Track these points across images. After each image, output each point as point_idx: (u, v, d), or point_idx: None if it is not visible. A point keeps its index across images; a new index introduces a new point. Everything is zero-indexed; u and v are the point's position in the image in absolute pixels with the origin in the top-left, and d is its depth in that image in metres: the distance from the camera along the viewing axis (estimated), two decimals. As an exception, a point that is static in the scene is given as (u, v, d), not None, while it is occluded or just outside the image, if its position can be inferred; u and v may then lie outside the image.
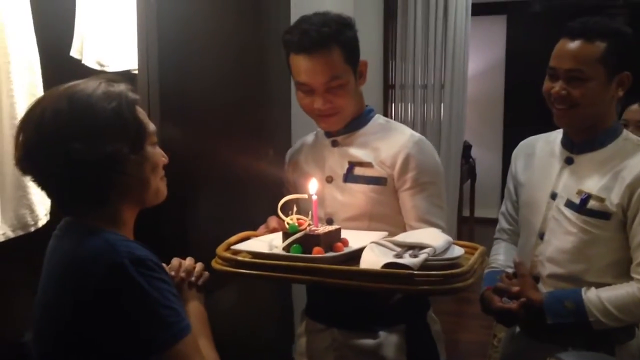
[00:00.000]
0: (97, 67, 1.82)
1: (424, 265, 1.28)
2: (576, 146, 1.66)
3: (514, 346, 1.81)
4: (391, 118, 4.80)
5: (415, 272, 1.25)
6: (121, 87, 1.21)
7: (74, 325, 1.11)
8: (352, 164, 1.67)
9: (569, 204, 1.62)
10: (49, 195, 1.22)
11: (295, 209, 1.50)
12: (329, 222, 1.41)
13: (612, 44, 1.55)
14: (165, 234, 1.65)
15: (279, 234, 1.48)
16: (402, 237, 1.44)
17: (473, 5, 4.52)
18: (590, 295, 1.55)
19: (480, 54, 6.72)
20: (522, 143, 1.86)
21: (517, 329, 1.79)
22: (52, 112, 1.14)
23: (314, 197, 1.43)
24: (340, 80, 1.60)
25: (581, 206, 1.58)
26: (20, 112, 1.56)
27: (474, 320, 4.42)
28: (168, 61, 1.66)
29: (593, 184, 1.58)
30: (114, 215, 1.21)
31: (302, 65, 1.59)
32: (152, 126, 1.26)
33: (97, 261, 1.10)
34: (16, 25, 1.55)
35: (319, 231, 1.39)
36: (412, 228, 1.63)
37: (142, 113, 1.24)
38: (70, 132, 1.12)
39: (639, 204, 1.52)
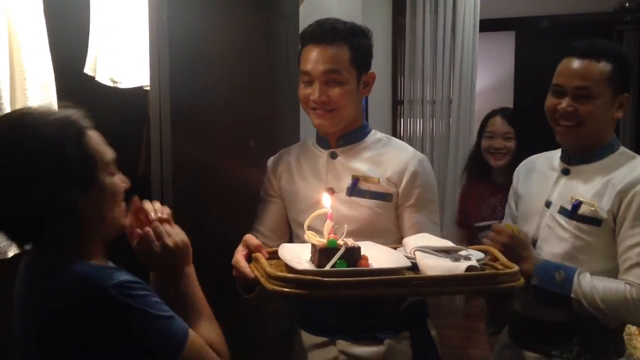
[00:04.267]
0: (110, 84, 1.86)
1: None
2: (574, 159, 1.69)
3: (505, 355, 1.83)
4: (400, 133, 4.83)
5: (500, 272, 1.37)
6: (66, 119, 1.13)
7: None
8: (357, 178, 1.68)
9: (562, 211, 1.65)
10: (5, 235, 1.16)
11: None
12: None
13: (617, 65, 1.60)
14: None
15: (291, 250, 1.48)
16: (421, 242, 1.48)
17: (481, 21, 4.54)
18: (582, 277, 1.57)
19: (490, 69, 6.73)
20: (523, 162, 1.91)
21: (508, 340, 1.81)
22: None
23: (329, 211, 1.45)
24: (340, 76, 1.64)
25: (573, 212, 1.61)
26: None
27: (485, 336, 4.39)
28: (179, 77, 1.69)
29: (586, 191, 1.62)
30: (79, 248, 1.15)
31: (309, 54, 1.65)
32: (109, 154, 1.18)
33: (85, 300, 1.06)
34: (32, 43, 1.59)
35: (353, 244, 1.37)
36: None
37: (94, 141, 1.15)
38: (10, 180, 1.08)
39: (627, 210, 1.55)
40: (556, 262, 1.62)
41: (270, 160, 1.87)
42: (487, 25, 4.99)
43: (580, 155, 1.68)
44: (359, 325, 1.68)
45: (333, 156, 1.73)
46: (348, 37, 1.65)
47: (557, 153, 1.78)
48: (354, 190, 1.68)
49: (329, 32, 1.64)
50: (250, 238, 1.54)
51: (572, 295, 1.56)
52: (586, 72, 1.59)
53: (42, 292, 1.12)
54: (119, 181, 1.20)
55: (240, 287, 1.57)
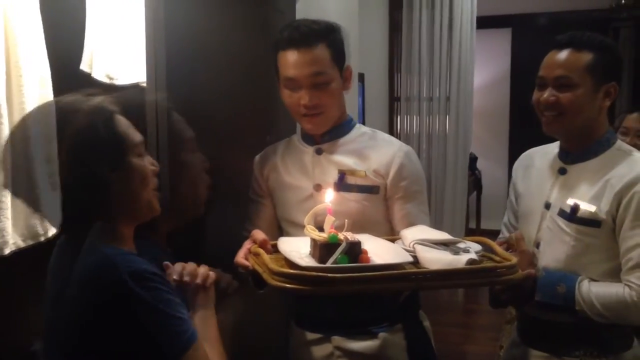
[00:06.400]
0: (107, 80, 1.86)
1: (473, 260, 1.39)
2: (570, 156, 1.69)
3: (514, 353, 1.82)
4: (397, 130, 4.84)
5: (499, 265, 1.38)
6: (96, 101, 1.18)
7: (82, 343, 1.12)
8: (343, 172, 1.69)
9: (562, 213, 1.64)
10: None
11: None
12: (320, 230, 1.42)
13: (598, 55, 1.59)
14: (176, 243, 1.67)
15: (290, 244, 1.48)
16: (419, 235, 1.48)
17: (478, 18, 4.55)
18: (583, 286, 1.57)
19: (486, 66, 6.74)
20: (522, 155, 1.90)
21: (517, 337, 1.81)
22: (24, 138, 1.15)
23: (330, 205, 1.45)
24: (326, 77, 1.64)
25: (572, 214, 1.60)
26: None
27: (481, 332, 4.41)
28: (176, 73, 1.68)
29: (584, 193, 1.61)
30: (110, 231, 1.20)
31: (290, 59, 1.63)
32: (137, 137, 1.23)
33: (99, 280, 1.10)
34: (28, 39, 1.59)
35: (354, 239, 1.36)
36: None
37: (123, 124, 1.21)
38: (43, 156, 1.14)
39: (626, 211, 1.54)
40: (557, 270, 1.62)
41: (256, 159, 1.86)
42: (484, 22, 5.01)
43: (578, 152, 1.66)
44: (354, 320, 1.69)
45: (319, 152, 1.74)
46: (325, 36, 1.65)
47: (555, 148, 1.76)
48: (341, 185, 1.68)
49: (306, 34, 1.63)
50: (257, 232, 1.55)
51: (576, 307, 1.57)
52: (566, 62, 1.60)
53: (74, 268, 1.15)
54: (148, 163, 1.25)
55: (252, 282, 1.57)
